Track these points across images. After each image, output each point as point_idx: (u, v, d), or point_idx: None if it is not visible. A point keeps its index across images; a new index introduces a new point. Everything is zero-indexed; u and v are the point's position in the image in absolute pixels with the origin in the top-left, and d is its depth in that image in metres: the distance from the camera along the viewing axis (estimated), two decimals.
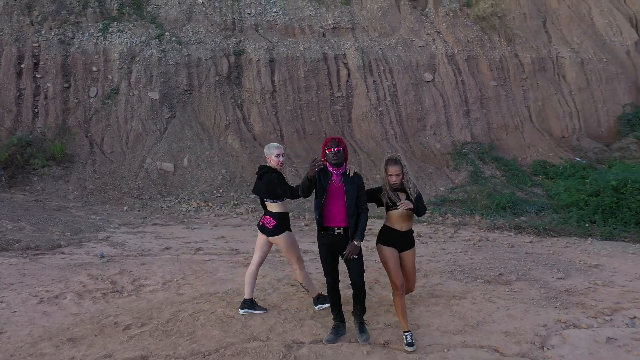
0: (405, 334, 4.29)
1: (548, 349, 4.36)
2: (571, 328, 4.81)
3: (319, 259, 4.73)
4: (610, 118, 16.08)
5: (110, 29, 12.95)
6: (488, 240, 8.56)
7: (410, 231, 4.59)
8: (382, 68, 14.69)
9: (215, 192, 11.06)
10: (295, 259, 5.02)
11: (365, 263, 4.61)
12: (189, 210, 10.14)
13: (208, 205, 10.48)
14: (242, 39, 14.03)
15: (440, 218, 10.64)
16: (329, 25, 15.22)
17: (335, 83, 14.28)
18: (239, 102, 13.33)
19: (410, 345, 4.22)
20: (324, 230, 4.34)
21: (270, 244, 5.08)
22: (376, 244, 4.62)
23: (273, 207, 4.87)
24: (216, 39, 13.75)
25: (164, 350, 4.23)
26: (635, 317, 5.06)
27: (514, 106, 15.64)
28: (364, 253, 4.75)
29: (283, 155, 4.93)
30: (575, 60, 16.44)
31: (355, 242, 4.24)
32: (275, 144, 4.98)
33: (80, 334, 4.52)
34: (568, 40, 17.05)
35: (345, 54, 14.66)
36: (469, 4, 17.01)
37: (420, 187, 12.77)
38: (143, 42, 12.91)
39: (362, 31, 15.47)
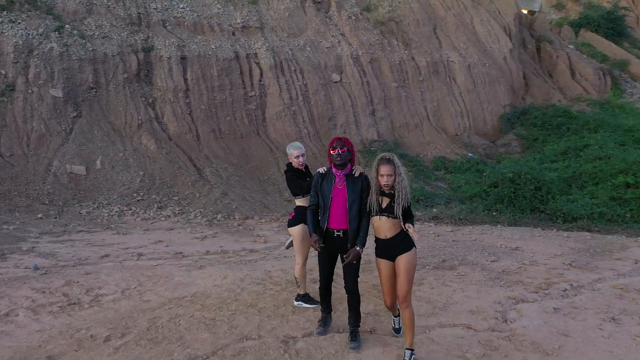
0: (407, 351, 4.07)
1: (511, 322, 4.95)
2: (521, 303, 5.47)
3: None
4: (494, 117, 17.91)
5: (0, 19, 11.73)
6: (437, 236, 9.16)
7: (398, 236, 4.11)
8: (293, 68, 14.96)
9: (135, 195, 10.55)
10: (300, 254, 5.13)
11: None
12: (112, 215, 9.59)
13: (131, 209, 9.98)
14: (150, 34, 13.46)
15: None
16: (238, 24, 15.14)
17: (248, 82, 14.27)
18: (150, 100, 12.79)
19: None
20: (325, 231, 4.41)
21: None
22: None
23: (296, 201, 5.04)
24: (122, 34, 13.05)
25: (160, 358, 4.11)
26: (566, 290, 5.87)
27: (413, 106, 16.78)
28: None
29: (304, 155, 4.98)
30: (463, 65, 18.04)
31: (357, 248, 4.17)
32: (296, 143, 5.03)
33: (58, 351, 4.23)
34: (456, 46, 18.64)
35: (256, 53, 14.69)
36: (368, 9, 17.89)
37: None
38: (41, 35, 11.86)
39: (271, 31, 15.60)
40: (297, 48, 15.53)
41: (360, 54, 16.50)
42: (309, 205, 4.46)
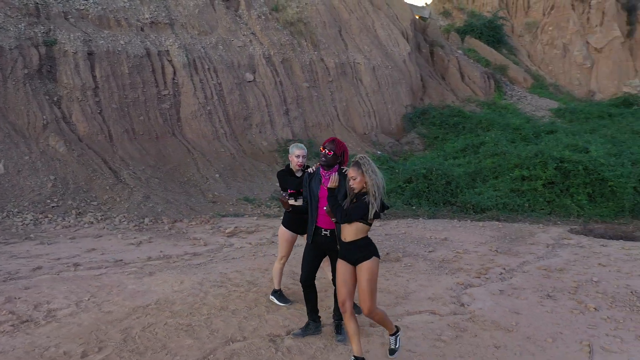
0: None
1: (467, 305, 5.45)
2: (469, 287, 6.02)
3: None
4: (397, 117, 18.97)
5: None
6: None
7: (357, 242, 3.97)
8: (207, 67, 14.69)
9: (49, 201, 9.77)
10: (281, 251, 5.16)
11: None
12: (27, 224, 8.81)
13: (47, 216, 9.24)
14: (51, 27, 12.46)
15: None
16: (147, 19, 14.52)
17: (161, 81, 13.76)
18: (55, 99, 11.86)
19: None
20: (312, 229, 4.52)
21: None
22: None
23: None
24: (19, 26, 11.95)
25: None
26: (502, 273, 6.55)
27: (324, 106, 17.25)
28: None
29: (304, 157, 4.97)
30: (368, 67, 18.88)
31: None
32: (299, 144, 5.02)
33: None
34: (361, 49, 19.44)
35: (168, 50, 14.21)
36: (277, 9, 18.05)
37: (257, 185, 13.33)
38: None
39: (182, 28, 15.17)
40: (209, 46, 15.26)
41: (272, 53, 16.61)
42: (303, 202, 4.58)
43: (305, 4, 18.81)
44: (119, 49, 13.12)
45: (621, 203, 11.00)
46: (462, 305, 5.43)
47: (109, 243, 8.06)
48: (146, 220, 9.66)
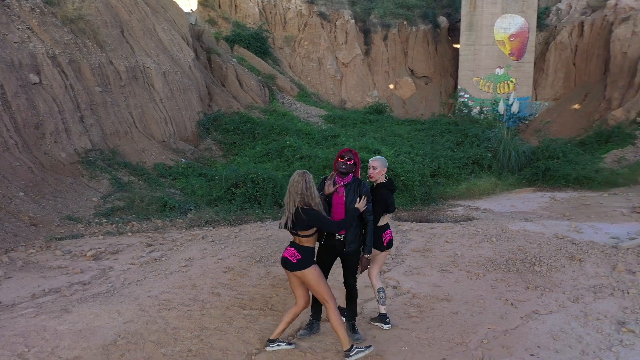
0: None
1: (401, 287, 6.43)
2: (384, 273, 7.03)
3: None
4: (192, 123, 18.88)
5: None
6: (235, 237, 9.52)
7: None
8: None
9: None
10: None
11: None
12: None
13: None
14: None
15: (128, 227, 10.58)
16: None
17: None
18: None
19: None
20: (326, 234, 4.78)
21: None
22: None
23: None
24: None
25: None
26: (395, 257, 7.77)
27: (119, 112, 16.10)
28: None
29: (374, 167, 5.20)
30: (159, 72, 18.29)
31: (367, 257, 4.81)
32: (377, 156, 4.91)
33: None
34: (148, 52, 18.66)
35: None
36: (51, 3, 16.03)
37: (71, 202, 11.91)
38: None
39: None
40: None
41: (57, 53, 14.73)
42: None
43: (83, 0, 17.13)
44: None
45: (413, 193, 13.55)
46: (397, 287, 6.40)
47: None
48: None
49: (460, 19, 28.89)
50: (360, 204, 4.63)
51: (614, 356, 4.54)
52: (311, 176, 4.48)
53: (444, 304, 5.78)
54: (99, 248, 8.56)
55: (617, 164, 17.21)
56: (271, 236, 9.41)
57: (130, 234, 9.86)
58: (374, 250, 5.09)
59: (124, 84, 16.76)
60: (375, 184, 5.09)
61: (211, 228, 10.51)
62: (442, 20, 31.34)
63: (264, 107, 22.72)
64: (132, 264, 7.69)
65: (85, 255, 8.13)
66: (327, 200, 4.79)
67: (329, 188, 4.75)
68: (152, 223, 10.97)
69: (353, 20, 30.40)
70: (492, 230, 9.47)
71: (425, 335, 5.00)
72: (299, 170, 4.54)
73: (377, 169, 5.03)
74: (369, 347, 4.55)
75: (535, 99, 27.10)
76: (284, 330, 4.66)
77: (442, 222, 11.60)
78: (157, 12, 21.11)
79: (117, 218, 11.16)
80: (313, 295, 5.09)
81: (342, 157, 4.76)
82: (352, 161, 4.78)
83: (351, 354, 4.42)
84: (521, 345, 4.76)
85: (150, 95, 17.60)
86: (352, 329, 5.02)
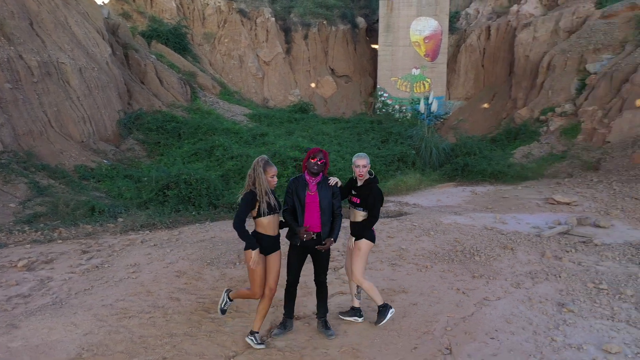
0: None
1: None
2: (335, 270, 7.20)
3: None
4: (112, 123, 17.97)
5: None
6: (177, 240, 9.23)
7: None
8: None
9: None
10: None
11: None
12: None
13: None
14: None
15: (56, 234, 9.96)
16: None
17: None
18: None
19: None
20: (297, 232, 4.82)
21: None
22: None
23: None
24: None
25: None
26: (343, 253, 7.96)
27: (32, 111, 15.00)
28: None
29: (364, 166, 5.07)
30: (75, 68, 17.23)
31: (332, 239, 4.92)
32: (360, 154, 5.00)
33: None
34: (61, 47, 17.51)
35: None
36: None
37: None
38: None
39: None
40: None
41: None
42: (285, 208, 4.84)
43: None
44: None
45: None
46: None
47: None
48: None
49: (377, 20, 29.83)
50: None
51: (562, 334, 5.04)
52: (262, 162, 4.67)
53: (402, 296, 6.06)
54: (30, 257, 7.99)
55: (525, 159, 18.67)
56: (214, 238, 9.29)
57: (60, 241, 9.28)
58: (367, 243, 5.24)
59: (37, 80, 15.63)
60: (362, 182, 5.12)
61: (148, 232, 10.15)
62: (360, 21, 32.18)
63: (187, 106, 22.13)
64: (72, 272, 7.27)
65: (16, 265, 7.56)
66: (300, 201, 4.86)
67: (301, 235, 4.80)
68: (82, 229, 10.38)
69: (273, 19, 30.38)
70: (427, 224, 9.98)
71: (393, 327, 5.23)
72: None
73: (367, 166, 5.08)
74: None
75: (449, 99, 28.64)
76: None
77: None
78: (68, 4, 19.84)
79: (42, 225, 10.44)
80: (288, 295, 5.15)
81: (313, 157, 4.87)
82: (323, 161, 4.89)
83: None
84: (481, 330, 5.13)
85: (66, 93, 16.54)
86: (324, 325, 5.13)
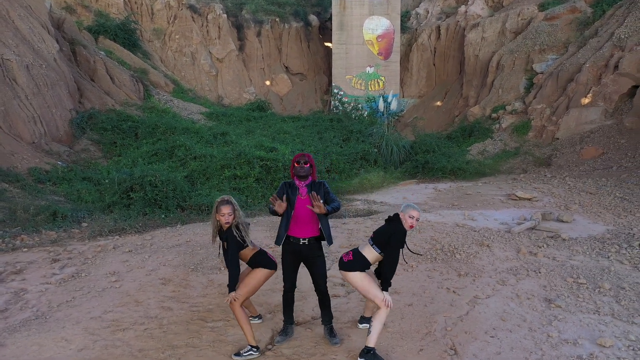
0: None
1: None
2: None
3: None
4: (64, 122, 17.14)
5: None
6: (151, 245, 8.91)
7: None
8: None
9: None
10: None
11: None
12: None
13: None
14: None
15: (18, 242, 9.42)
16: None
17: None
18: None
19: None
20: (289, 238, 4.79)
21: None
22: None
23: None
24: None
25: None
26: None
27: None
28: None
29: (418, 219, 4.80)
30: (21, 65, 16.31)
31: (327, 208, 4.75)
32: (414, 204, 4.76)
33: None
34: (5, 43, 16.52)
35: None
36: None
37: None
38: None
39: None
40: None
41: None
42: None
43: None
44: None
45: None
46: (344, 285, 6.63)
47: None
48: None
49: (329, 18, 29.94)
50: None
51: (556, 330, 5.26)
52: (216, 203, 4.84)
53: (395, 297, 6.13)
54: None
55: (481, 156, 19.31)
56: (189, 242, 9.08)
57: (25, 249, 8.79)
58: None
59: None
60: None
61: (117, 237, 9.79)
62: (313, 19, 32.18)
63: (141, 104, 21.42)
64: (47, 283, 6.91)
65: None
66: (290, 203, 4.83)
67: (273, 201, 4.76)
68: (45, 235, 9.88)
69: (225, 15, 29.85)
70: None
71: (394, 329, 5.30)
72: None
73: (419, 219, 4.88)
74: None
75: (403, 96, 29.17)
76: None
77: (346, 217, 12.07)
78: None
79: (1, 232, 9.85)
80: (285, 301, 5.12)
81: (297, 162, 4.89)
82: (308, 164, 4.91)
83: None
84: (480, 328, 5.28)
85: (13, 91, 15.65)
86: (330, 332, 5.12)
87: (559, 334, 5.15)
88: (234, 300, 4.56)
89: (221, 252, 4.81)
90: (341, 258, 4.93)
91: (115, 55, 24.60)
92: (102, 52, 23.54)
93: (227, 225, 4.69)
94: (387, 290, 4.67)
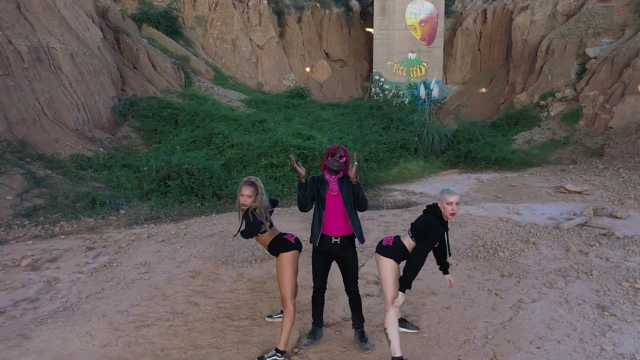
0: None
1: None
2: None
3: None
4: (107, 109, 17.40)
5: None
6: (184, 235, 8.87)
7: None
8: None
9: None
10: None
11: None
12: None
13: None
14: None
15: (57, 229, 9.54)
16: None
17: None
18: None
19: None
20: (320, 237, 4.53)
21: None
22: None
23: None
24: None
25: None
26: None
27: (25, 98, 14.42)
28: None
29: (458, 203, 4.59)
30: (66, 53, 16.59)
31: (357, 180, 4.46)
32: (451, 188, 4.44)
33: None
34: (51, 31, 16.83)
35: None
36: None
37: None
38: None
39: None
40: None
41: None
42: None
43: None
44: None
45: None
46: (377, 283, 6.31)
47: None
48: None
49: (371, 3, 29.24)
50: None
51: (610, 342, 4.81)
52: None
53: (432, 299, 5.80)
54: (33, 255, 7.61)
55: (527, 145, 18.45)
56: (222, 232, 8.96)
57: (62, 236, 8.89)
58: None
59: (27, 66, 15.02)
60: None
61: (153, 225, 9.79)
62: (354, 4, 31.55)
63: (182, 92, 21.55)
64: (79, 272, 6.91)
65: (20, 265, 7.19)
66: (321, 199, 4.55)
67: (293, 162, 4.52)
68: (83, 222, 9.99)
69: (266, 1, 29.63)
70: None
71: (430, 335, 4.97)
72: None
73: (459, 202, 4.48)
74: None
75: (446, 83, 28.29)
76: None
77: (384, 208, 11.71)
78: None
79: (42, 218, 10.02)
80: (315, 302, 4.87)
81: (333, 155, 4.57)
82: (344, 158, 4.59)
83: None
84: (524, 338, 4.88)
85: (58, 79, 15.94)
86: (360, 336, 4.83)
87: (613, 347, 4.70)
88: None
89: (238, 234, 4.66)
90: (381, 241, 4.72)
91: (158, 42, 24.82)
92: (145, 40, 23.77)
93: (245, 208, 4.53)
94: (404, 292, 4.35)
